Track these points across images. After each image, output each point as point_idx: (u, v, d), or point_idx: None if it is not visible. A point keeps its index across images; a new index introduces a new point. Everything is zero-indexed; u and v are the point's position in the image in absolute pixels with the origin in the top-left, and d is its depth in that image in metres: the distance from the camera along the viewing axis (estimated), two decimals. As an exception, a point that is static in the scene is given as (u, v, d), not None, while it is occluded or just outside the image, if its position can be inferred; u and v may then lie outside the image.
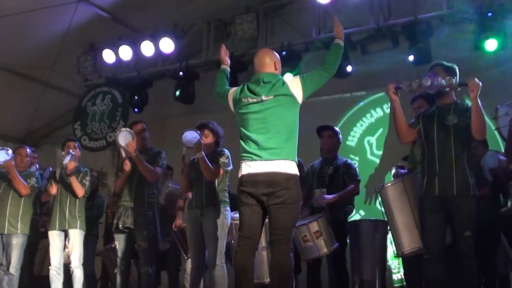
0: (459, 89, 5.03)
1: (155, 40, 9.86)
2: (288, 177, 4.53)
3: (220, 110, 5.70)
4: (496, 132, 6.22)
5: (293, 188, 4.56)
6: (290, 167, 4.56)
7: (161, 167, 6.66)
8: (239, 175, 4.66)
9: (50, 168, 7.53)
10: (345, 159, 6.73)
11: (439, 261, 4.87)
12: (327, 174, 6.51)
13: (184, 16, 10.07)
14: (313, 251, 6.02)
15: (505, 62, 8.35)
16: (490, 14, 8.06)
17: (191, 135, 6.07)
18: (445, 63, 5.22)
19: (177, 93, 9.92)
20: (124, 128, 6.67)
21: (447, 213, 4.84)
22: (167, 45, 9.82)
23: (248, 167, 4.59)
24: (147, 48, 9.93)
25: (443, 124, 4.99)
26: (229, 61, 5.33)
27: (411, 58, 8.37)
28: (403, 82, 5.05)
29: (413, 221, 5.32)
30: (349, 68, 8.82)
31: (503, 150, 6.37)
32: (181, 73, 9.93)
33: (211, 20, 10.09)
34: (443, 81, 4.88)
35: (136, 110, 10.30)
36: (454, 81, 4.93)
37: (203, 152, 5.98)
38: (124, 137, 6.44)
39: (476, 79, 4.80)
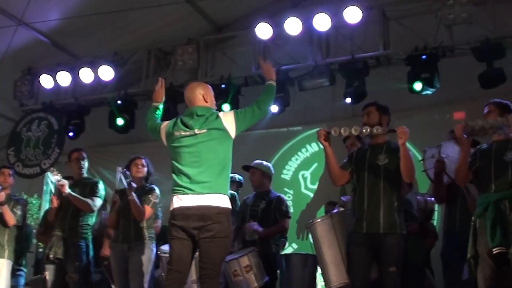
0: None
1: (95, 67, 9.78)
2: (219, 211, 4.55)
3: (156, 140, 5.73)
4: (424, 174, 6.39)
5: (225, 222, 4.57)
6: (222, 201, 4.58)
7: (99, 198, 6.61)
8: (171, 208, 4.66)
9: None
10: (278, 194, 6.81)
11: None
12: (260, 209, 6.58)
13: (125, 44, 10.08)
14: (243, 286, 6.04)
15: (439, 104, 8.62)
16: (424, 57, 8.32)
17: (123, 175, 6.07)
18: (378, 103, 5.36)
19: (115, 121, 9.84)
20: (53, 168, 6.60)
21: (373, 250, 4.92)
22: (107, 73, 9.74)
23: (179, 201, 4.60)
24: (86, 75, 9.83)
25: (374, 164, 5.09)
26: (163, 98, 5.29)
27: (348, 100, 8.53)
28: (333, 128, 5.12)
29: (341, 257, 5.39)
30: (285, 104, 8.96)
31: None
32: (119, 101, 9.88)
33: (151, 49, 10.11)
34: (373, 129, 5.00)
35: (70, 135, 10.09)
36: (382, 129, 5.04)
37: (134, 194, 6.01)
38: (55, 177, 6.39)
39: (404, 126, 4.94)
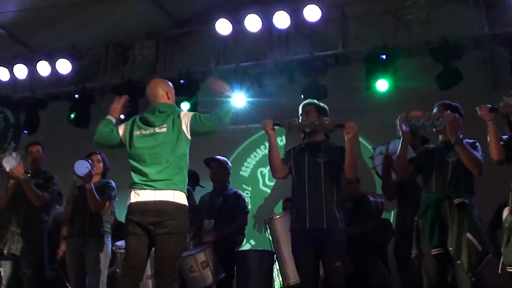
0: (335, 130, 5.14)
1: (52, 61, 9.67)
2: (176, 207, 4.53)
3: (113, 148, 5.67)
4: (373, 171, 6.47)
5: (181, 218, 4.56)
6: (179, 198, 4.56)
7: (50, 194, 6.50)
8: (128, 204, 4.63)
9: None
10: (235, 190, 6.82)
11: None
12: (217, 205, 6.58)
13: (84, 38, 9.93)
14: (199, 282, 6.04)
15: (396, 103, 8.72)
16: (383, 56, 8.41)
17: (82, 165, 6.03)
18: (316, 102, 5.40)
19: (72, 115, 9.74)
20: (8, 153, 6.47)
21: (318, 246, 4.93)
22: (64, 66, 9.63)
23: (137, 196, 4.56)
24: (43, 68, 9.71)
25: (314, 161, 5.11)
26: (119, 114, 5.04)
27: (304, 97, 8.52)
28: (282, 120, 5.18)
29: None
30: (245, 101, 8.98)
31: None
32: (76, 95, 9.77)
33: (110, 43, 10.04)
34: (322, 121, 5.04)
35: (25, 132, 9.96)
36: (331, 123, 5.07)
37: (92, 184, 5.96)
38: (9, 162, 6.26)
39: (353, 122, 4.97)
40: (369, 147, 8.68)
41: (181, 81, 9.09)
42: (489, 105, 4.57)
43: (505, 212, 4.62)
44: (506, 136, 4.70)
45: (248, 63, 9.09)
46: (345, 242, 4.99)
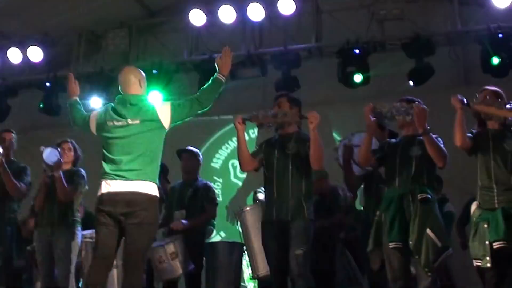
0: (301, 120, 5.17)
1: (23, 48, 9.56)
2: (148, 198, 4.52)
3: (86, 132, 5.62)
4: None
5: (152, 209, 4.55)
6: (150, 189, 4.55)
7: (25, 184, 6.40)
8: (98, 194, 4.60)
9: None
10: (205, 182, 6.79)
11: (283, 283, 5.01)
12: (187, 196, 6.56)
13: (56, 26, 9.81)
14: (168, 273, 6.03)
15: (368, 97, 8.76)
16: (356, 50, 8.44)
17: (51, 153, 5.94)
18: (290, 95, 5.46)
19: (40, 105, 9.66)
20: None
21: (284, 237, 4.93)
22: (36, 54, 9.55)
23: (108, 186, 4.54)
24: (14, 55, 9.61)
25: (283, 152, 5.13)
26: (78, 92, 5.15)
27: (277, 89, 8.52)
28: (251, 114, 5.20)
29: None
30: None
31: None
32: (48, 83, 9.68)
33: (83, 31, 9.96)
34: (287, 114, 5.07)
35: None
36: (296, 114, 5.12)
37: (61, 172, 5.91)
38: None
39: (315, 112, 5.00)
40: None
41: (154, 71, 9.04)
42: (464, 99, 4.63)
43: (473, 207, 4.69)
44: (476, 131, 4.78)
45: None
46: (309, 231, 4.97)
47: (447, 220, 6.23)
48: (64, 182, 5.92)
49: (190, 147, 6.98)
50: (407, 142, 4.89)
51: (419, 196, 4.62)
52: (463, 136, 4.63)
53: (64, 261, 5.91)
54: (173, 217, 6.50)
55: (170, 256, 5.99)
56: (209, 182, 6.85)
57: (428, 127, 4.69)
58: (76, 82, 5.19)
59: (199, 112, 4.81)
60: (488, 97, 4.68)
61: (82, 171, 6.24)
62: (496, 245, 4.39)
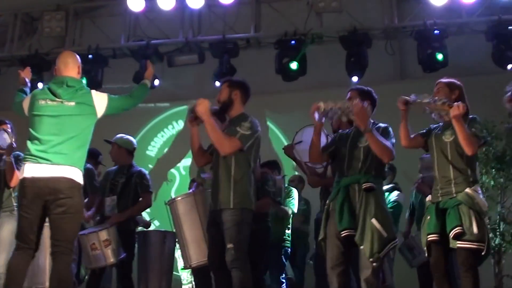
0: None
1: (-46, 28, 9.29)
2: (72, 184, 4.43)
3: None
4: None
5: (76, 197, 4.47)
6: (75, 175, 4.47)
7: None
8: (20, 177, 4.48)
9: None
10: (139, 169, 6.66)
11: (221, 274, 4.95)
12: (120, 183, 6.45)
13: (-10, 6, 9.60)
14: (101, 260, 5.93)
15: (304, 88, 8.83)
16: (293, 41, 8.49)
17: (1, 135, 5.75)
18: (231, 78, 5.50)
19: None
20: None
21: (219, 227, 4.86)
22: (-33, 34, 9.27)
23: (31, 170, 4.41)
24: None
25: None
26: (29, 84, 5.16)
27: (217, 83, 8.51)
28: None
29: (202, 235, 5.40)
30: (156, 82, 8.84)
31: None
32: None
33: (18, 13, 9.72)
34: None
35: None
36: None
37: (12, 157, 5.76)
38: None
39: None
40: (278, 132, 8.81)
41: (89, 56, 8.89)
42: (407, 98, 4.68)
43: (428, 199, 4.77)
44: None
45: (159, 40, 9.00)
46: (240, 222, 4.77)
47: (393, 209, 6.36)
48: (15, 166, 5.76)
49: (118, 135, 6.76)
50: (357, 132, 4.91)
51: (364, 185, 4.65)
52: (406, 137, 4.72)
53: (7, 247, 5.74)
54: (106, 203, 6.39)
55: (103, 244, 5.88)
56: (143, 170, 6.72)
57: (371, 123, 4.72)
58: (26, 73, 5.24)
59: (127, 108, 4.94)
60: (439, 90, 4.75)
61: (22, 155, 6.05)
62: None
